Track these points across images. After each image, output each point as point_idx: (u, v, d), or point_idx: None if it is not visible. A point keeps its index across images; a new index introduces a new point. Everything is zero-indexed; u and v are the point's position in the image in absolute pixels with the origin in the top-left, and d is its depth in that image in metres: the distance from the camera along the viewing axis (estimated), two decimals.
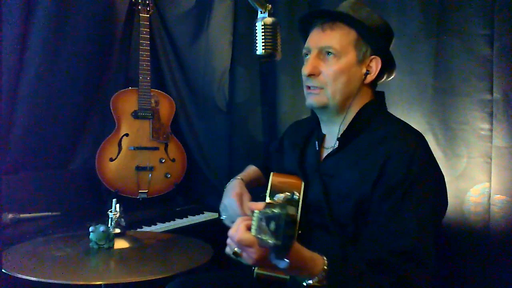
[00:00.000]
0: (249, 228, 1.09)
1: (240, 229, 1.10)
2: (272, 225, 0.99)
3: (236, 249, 1.13)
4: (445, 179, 1.41)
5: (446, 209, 1.41)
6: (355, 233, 1.34)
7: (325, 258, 1.18)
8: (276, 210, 1.00)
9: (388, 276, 1.21)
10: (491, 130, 1.92)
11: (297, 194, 1.03)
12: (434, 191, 1.33)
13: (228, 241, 1.16)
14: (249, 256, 1.11)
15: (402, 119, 1.49)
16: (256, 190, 1.72)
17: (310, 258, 1.17)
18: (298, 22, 1.54)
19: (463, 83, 1.98)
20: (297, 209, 1.40)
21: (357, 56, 1.43)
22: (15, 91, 2.26)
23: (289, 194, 1.04)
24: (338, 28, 1.43)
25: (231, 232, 1.13)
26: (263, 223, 1.02)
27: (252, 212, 1.09)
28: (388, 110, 1.54)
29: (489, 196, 1.92)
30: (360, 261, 1.25)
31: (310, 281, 1.16)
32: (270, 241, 0.99)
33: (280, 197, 1.03)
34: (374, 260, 1.24)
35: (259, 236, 1.03)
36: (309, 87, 1.46)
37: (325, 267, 1.17)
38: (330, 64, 1.42)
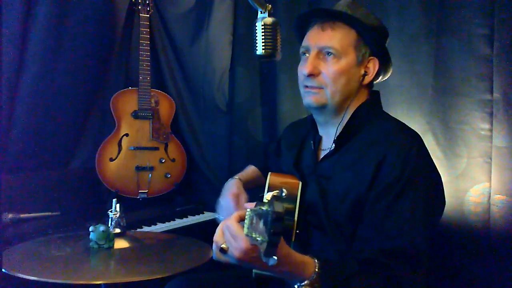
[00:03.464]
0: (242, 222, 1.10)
1: (232, 218, 1.12)
2: (261, 223, 1.00)
3: (223, 245, 1.12)
4: (445, 179, 1.42)
5: (443, 208, 1.41)
6: (351, 233, 1.34)
7: (316, 261, 1.18)
8: (264, 208, 1.01)
9: (379, 276, 1.21)
10: (491, 130, 1.92)
11: (285, 191, 1.03)
12: (429, 191, 1.33)
13: (215, 237, 1.16)
14: (235, 249, 1.10)
15: (401, 119, 1.48)
16: (255, 190, 1.72)
17: (301, 262, 1.17)
18: (296, 19, 1.53)
19: (463, 83, 1.98)
20: (295, 206, 1.40)
21: (356, 57, 1.43)
22: (15, 91, 2.26)
23: (277, 191, 1.04)
24: (338, 28, 1.42)
25: (222, 224, 1.14)
26: (254, 222, 1.03)
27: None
28: (388, 110, 1.54)
29: (489, 196, 1.91)
30: (352, 263, 1.25)
31: (302, 284, 1.17)
32: (258, 239, 0.99)
33: (269, 194, 1.04)
34: (366, 259, 1.24)
35: (250, 234, 1.03)
36: (307, 86, 1.46)
37: (316, 270, 1.17)
38: (330, 64, 1.41)
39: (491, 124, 1.92)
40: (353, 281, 1.20)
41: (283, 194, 1.02)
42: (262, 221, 1.00)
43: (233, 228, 1.11)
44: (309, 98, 1.45)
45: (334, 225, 1.37)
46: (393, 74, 1.55)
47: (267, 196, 1.03)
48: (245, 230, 1.07)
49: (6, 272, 1.33)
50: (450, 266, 1.96)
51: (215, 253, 1.17)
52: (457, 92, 2.00)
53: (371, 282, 1.21)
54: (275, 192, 1.03)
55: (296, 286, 1.17)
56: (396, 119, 1.48)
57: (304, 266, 1.17)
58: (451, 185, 1.93)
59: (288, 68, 2.53)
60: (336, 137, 1.45)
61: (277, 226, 0.96)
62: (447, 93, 2.02)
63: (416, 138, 1.39)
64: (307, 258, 1.18)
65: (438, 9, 2.04)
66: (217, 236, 1.17)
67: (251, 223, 1.05)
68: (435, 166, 1.39)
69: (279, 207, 0.97)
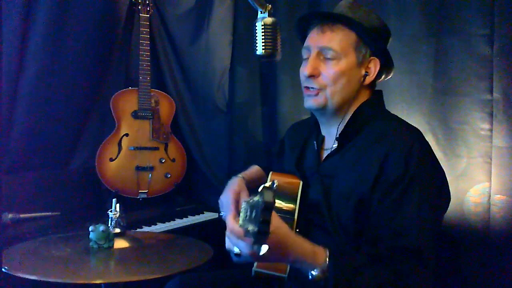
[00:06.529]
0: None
1: (231, 221, 1.15)
2: (253, 213, 1.01)
3: (236, 250, 1.15)
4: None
5: (448, 203, 1.41)
6: (355, 233, 1.34)
7: (327, 250, 1.20)
8: (256, 198, 1.02)
9: (388, 270, 1.22)
10: (491, 130, 1.92)
11: (276, 182, 1.05)
12: (433, 187, 1.34)
13: (227, 246, 1.21)
14: (241, 250, 1.13)
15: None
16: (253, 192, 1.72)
17: (311, 251, 1.19)
18: (296, 22, 1.54)
19: (463, 83, 1.98)
20: (295, 206, 1.41)
21: (357, 58, 1.43)
22: (15, 91, 2.26)
23: (269, 183, 1.06)
24: (338, 30, 1.43)
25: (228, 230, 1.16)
26: (248, 213, 1.05)
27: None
28: (388, 110, 1.54)
29: (489, 196, 1.92)
30: (362, 255, 1.26)
31: (313, 272, 1.19)
32: (249, 229, 1.01)
33: (261, 186, 1.05)
34: (374, 254, 1.25)
35: (243, 226, 1.05)
36: (307, 88, 1.46)
37: (327, 258, 1.19)
38: (330, 65, 1.42)
39: (491, 124, 1.92)
40: (363, 272, 1.21)
41: (275, 185, 1.03)
42: (254, 211, 1.02)
43: (235, 232, 1.13)
44: (310, 101, 1.46)
45: (337, 224, 1.37)
46: (393, 74, 1.55)
47: (260, 188, 1.04)
48: (240, 222, 1.08)
49: (6, 271, 1.33)
50: (450, 266, 1.96)
51: (233, 260, 1.22)
52: (457, 92, 2.00)
53: (379, 276, 1.21)
54: (266, 184, 1.05)
55: (310, 275, 1.19)
56: (398, 117, 1.49)
57: (314, 254, 1.19)
58: (451, 185, 1.90)
59: (288, 68, 2.53)
60: (338, 136, 1.46)
61: (266, 214, 0.97)
62: (447, 93, 2.03)
63: (418, 135, 1.39)
64: (317, 247, 1.21)
65: (438, 9, 2.04)
66: (228, 245, 1.21)
67: (245, 215, 1.07)
68: (438, 162, 1.40)
69: (269, 196, 0.98)
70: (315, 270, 1.18)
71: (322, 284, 1.19)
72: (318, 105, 1.45)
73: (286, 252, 1.16)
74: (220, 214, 1.61)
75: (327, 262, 1.18)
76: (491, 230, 1.91)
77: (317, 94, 1.44)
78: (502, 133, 1.90)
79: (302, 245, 1.19)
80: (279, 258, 1.19)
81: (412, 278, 1.22)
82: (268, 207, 0.97)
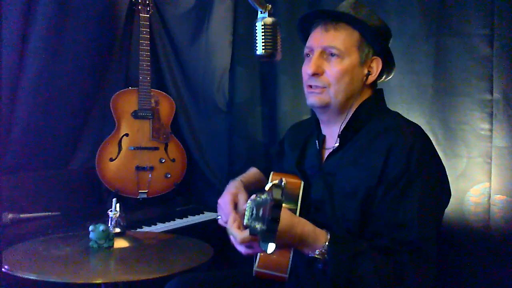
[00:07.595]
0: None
1: (230, 224, 1.22)
2: (261, 211, 1.01)
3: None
4: None
5: (449, 198, 1.42)
6: (358, 230, 1.35)
7: (328, 233, 1.25)
8: (263, 196, 1.02)
9: (387, 260, 1.23)
10: (491, 130, 1.92)
11: (285, 180, 1.05)
12: (435, 182, 1.35)
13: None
14: (240, 250, 1.19)
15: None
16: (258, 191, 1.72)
17: (313, 232, 1.24)
18: (299, 20, 1.54)
19: (463, 83, 1.98)
20: (296, 206, 1.41)
21: (360, 57, 1.44)
22: (15, 91, 2.26)
23: (277, 181, 1.06)
24: (341, 29, 1.43)
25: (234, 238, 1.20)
26: (254, 211, 1.04)
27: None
28: (389, 108, 1.55)
29: (489, 196, 1.92)
30: (362, 242, 1.29)
31: (313, 254, 1.23)
32: (257, 226, 1.00)
33: (269, 185, 1.05)
34: (375, 246, 1.26)
35: (250, 224, 1.04)
36: (310, 86, 1.46)
37: (328, 239, 1.23)
38: (333, 64, 1.43)
39: (491, 124, 1.92)
40: (363, 258, 1.23)
41: (283, 183, 1.03)
42: (261, 209, 1.01)
43: (234, 234, 1.19)
44: (313, 99, 1.46)
45: (341, 222, 1.37)
46: (394, 74, 1.55)
47: (267, 186, 1.04)
48: (245, 220, 1.08)
49: (6, 271, 1.33)
50: (450, 266, 1.96)
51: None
52: (457, 92, 2.00)
53: (379, 263, 1.22)
54: (275, 181, 1.04)
55: (310, 254, 1.24)
56: (399, 114, 1.50)
57: (315, 236, 1.24)
58: (451, 185, 1.92)
59: (288, 68, 2.53)
60: (340, 133, 1.46)
61: (275, 212, 0.97)
62: (447, 93, 2.03)
63: (420, 131, 1.41)
64: (319, 230, 1.26)
65: (438, 9, 2.04)
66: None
67: (251, 213, 1.06)
68: (439, 158, 1.41)
69: (278, 194, 0.97)
70: (316, 252, 1.23)
71: (321, 267, 1.22)
72: (321, 102, 1.45)
73: (291, 233, 1.21)
74: (218, 217, 1.61)
75: (327, 246, 1.22)
76: (491, 230, 1.91)
77: (321, 92, 1.44)
78: (502, 133, 1.90)
79: (306, 227, 1.24)
80: (284, 242, 1.22)
81: (412, 270, 1.23)
82: (278, 205, 0.97)
